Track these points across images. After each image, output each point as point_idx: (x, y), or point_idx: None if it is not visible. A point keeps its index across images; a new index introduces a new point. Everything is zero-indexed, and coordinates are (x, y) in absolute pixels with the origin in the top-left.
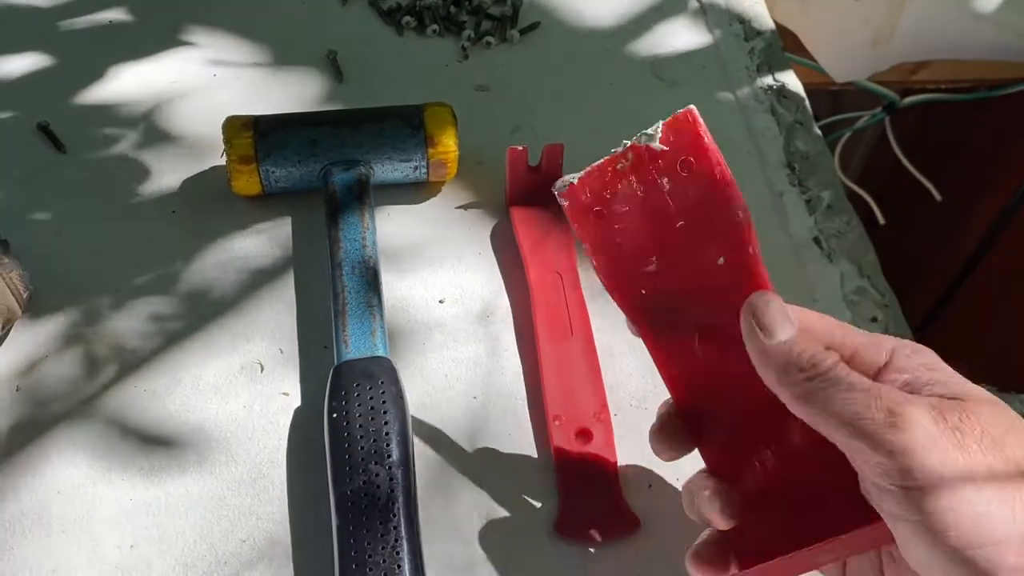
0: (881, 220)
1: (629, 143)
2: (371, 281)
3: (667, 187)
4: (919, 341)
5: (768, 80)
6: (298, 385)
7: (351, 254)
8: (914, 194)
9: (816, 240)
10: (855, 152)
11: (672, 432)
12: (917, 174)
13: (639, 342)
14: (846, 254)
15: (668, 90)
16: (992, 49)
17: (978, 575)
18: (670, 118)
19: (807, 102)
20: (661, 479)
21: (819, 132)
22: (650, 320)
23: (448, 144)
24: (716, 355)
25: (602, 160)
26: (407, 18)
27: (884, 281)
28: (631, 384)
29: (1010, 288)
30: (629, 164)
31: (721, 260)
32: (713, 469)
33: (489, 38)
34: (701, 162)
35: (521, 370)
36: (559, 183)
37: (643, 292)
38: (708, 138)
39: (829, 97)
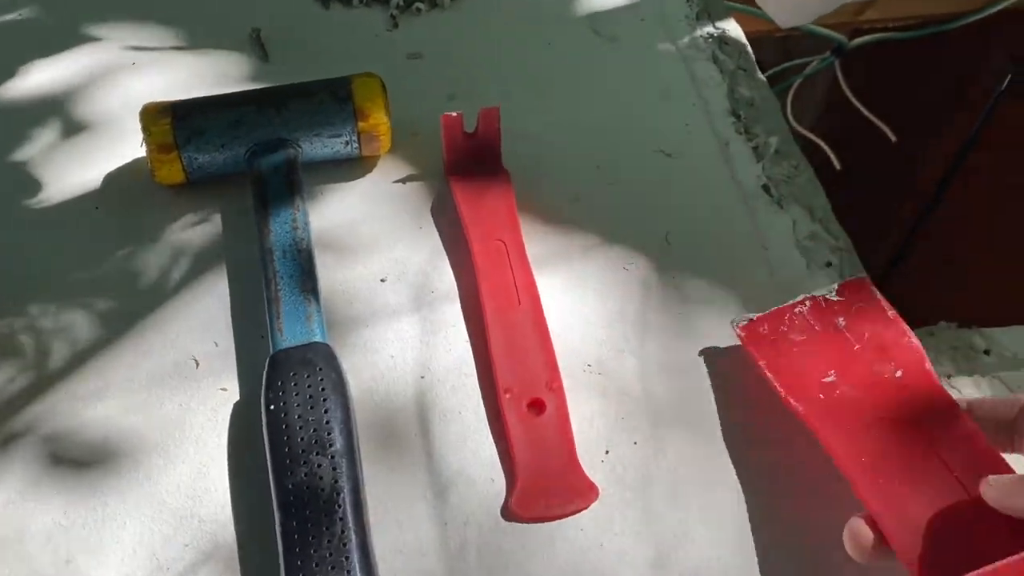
0: (837, 165)
1: (804, 296)
2: (304, 264)
3: (842, 323)
4: (884, 286)
5: (708, 28)
6: (236, 379)
7: (281, 237)
8: (871, 138)
9: (765, 187)
10: (808, 99)
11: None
12: (870, 116)
13: (589, 306)
14: (796, 199)
15: (608, 45)
16: None
17: None
18: (845, 281)
19: (749, 48)
20: (618, 443)
21: (763, 78)
22: (830, 424)
23: (378, 116)
24: (889, 442)
25: (780, 306)
26: None
27: (837, 224)
28: (584, 349)
29: (969, 225)
30: (807, 309)
31: (899, 373)
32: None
33: (419, 4)
34: (871, 307)
35: (470, 344)
36: (739, 318)
37: (820, 397)
38: (875, 291)
39: (778, 44)
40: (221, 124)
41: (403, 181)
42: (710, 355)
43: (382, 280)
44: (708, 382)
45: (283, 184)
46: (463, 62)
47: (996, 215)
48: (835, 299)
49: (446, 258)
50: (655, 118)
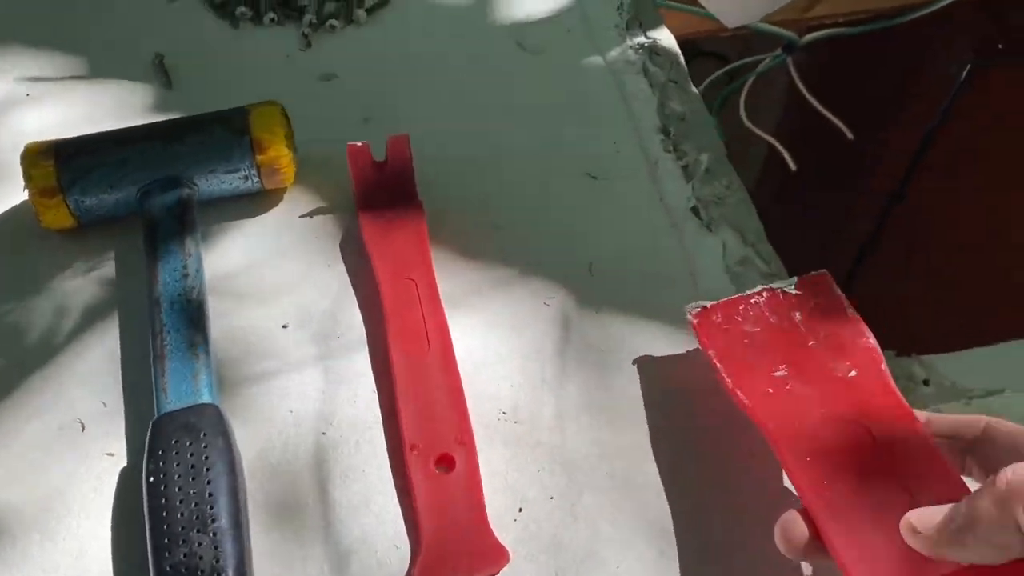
0: (792, 166)
1: (763, 287)
2: (194, 316)
3: (798, 318)
4: (849, 290)
5: (639, 38)
6: (124, 442)
7: (170, 287)
8: (830, 136)
9: (694, 209)
10: (765, 98)
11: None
12: (825, 112)
13: (506, 346)
14: (727, 221)
15: (533, 60)
16: None
17: None
18: (805, 276)
19: (681, 58)
20: (532, 499)
21: (695, 90)
22: (775, 419)
23: (278, 148)
24: (837, 442)
25: (736, 296)
26: (241, 9)
27: (770, 247)
28: (499, 394)
29: (931, 227)
30: (764, 300)
31: (853, 373)
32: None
33: (333, 21)
34: (830, 303)
35: (377, 394)
36: (694, 304)
37: (770, 391)
38: (835, 288)
39: (733, 41)
40: (109, 164)
41: (311, 215)
42: (646, 374)
43: (284, 326)
44: (631, 419)
45: (174, 227)
46: (380, 82)
47: (957, 218)
48: (793, 293)
49: (355, 300)
50: (582, 137)
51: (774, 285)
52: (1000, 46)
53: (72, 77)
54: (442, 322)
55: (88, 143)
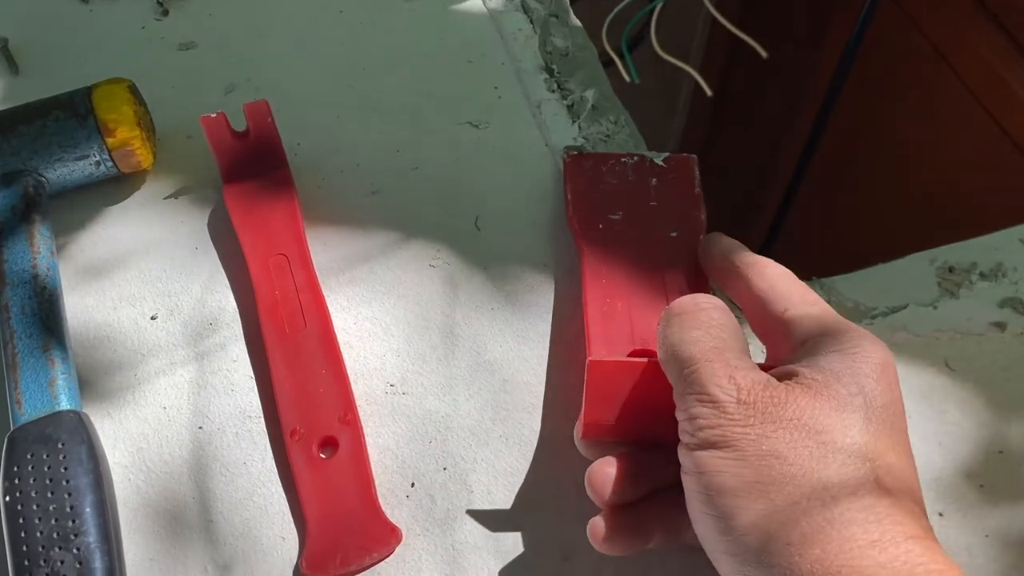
0: (708, 92)
1: (637, 153)
2: (47, 318)
3: (654, 183)
4: (779, 226)
5: None
6: None
7: (19, 289)
8: (751, 63)
9: (580, 151)
10: (679, 29)
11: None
12: (736, 30)
13: (390, 315)
14: None
15: (406, 6)
16: None
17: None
18: (675, 154)
19: None
20: (424, 473)
21: (578, 22)
22: (592, 248)
23: (128, 129)
24: (644, 284)
25: (611, 152)
26: None
27: None
28: (384, 367)
29: (855, 154)
30: (632, 162)
31: (674, 234)
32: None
33: None
34: (686, 179)
35: (255, 381)
36: (572, 147)
37: (600, 227)
38: (695, 169)
39: None
40: None
41: (175, 196)
42: (537, 331)
43: (152, 318)
44: (524, 379)
45: (19, 224)
46: (244, 48)
47: (879, 141)
48: (659, 164)
49: (227, 282)
50: (461, 85)
51: (647, 153)
52: None
53: None
54: (318, 297)
55: None
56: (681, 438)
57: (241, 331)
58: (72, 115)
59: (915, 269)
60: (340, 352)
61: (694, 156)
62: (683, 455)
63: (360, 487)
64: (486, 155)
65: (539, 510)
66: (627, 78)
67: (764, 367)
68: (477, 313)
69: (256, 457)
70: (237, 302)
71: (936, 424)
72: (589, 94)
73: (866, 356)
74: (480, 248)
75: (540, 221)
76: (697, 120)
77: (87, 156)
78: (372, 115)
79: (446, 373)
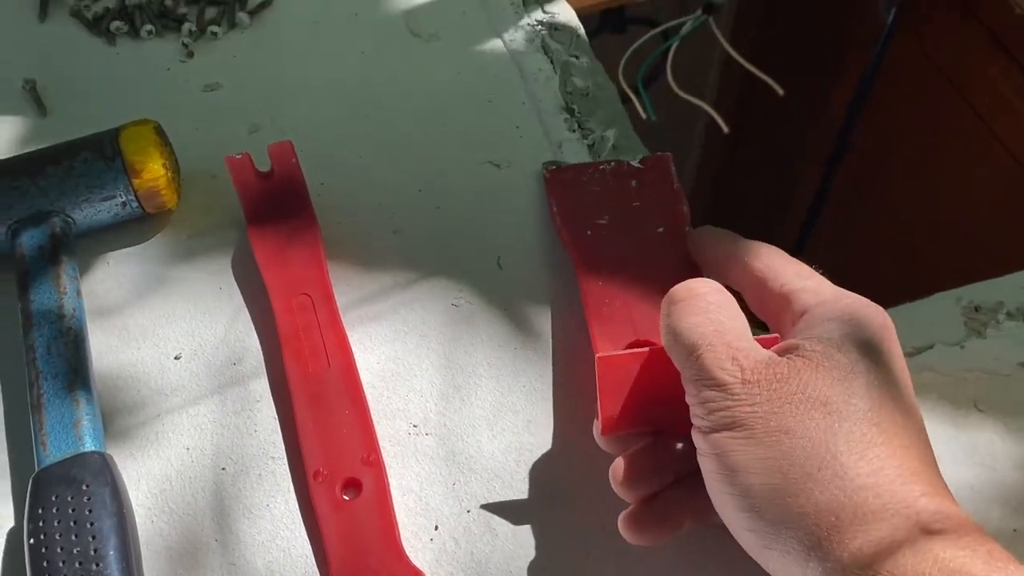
0: (725, 129)
1: (613, 159)
2: (72, 359)
3: (634, 185)
4: (798, 250)
5: (537, 14)
6: (10, 500)
7: (45, 329)
8: (766, 97)
9: (558, 163)
10: (699, 62)
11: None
12: (753, 69)
13: (413, 354)
14: None
15: (428, 47)
16: None
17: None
18: (650, 155)
19: (582, 31)
20: (448, 515)
21: (598, 63)
22: (585, 252)
23: (154, 169)
24: (639, 282)
25: (589, 162)
26: (116, 23)
27: None
28: (407, 407)
29: (871, 187)
30: (610, 168)
31: (661, 229)
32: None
33: (214, 28)
34: (664, 177)
35: (278, 421)
36: (549, 162)
37: (588, 233)
38: (672, 166)
39: (666, 6)
40: None
41: (199, 235)
42: (560, 369)
43: (176, 357)
44: (547, 419)
45: (46, 265)
46: (267, 87)
47: (895, 175)
48: (637, 166)
49: (250, 322)
50: (482, 125)
51: (622, 158)
52: None
53: None
54: (342, 337)
55: None
56: (694, 422)
57: (264, 371)
58: (100, 156)
59: (941, 308)
60: (363, 392)
61: (669, 154)
62: (697, 438)
63: (383, 530)
64: (508, 194)
65: (564, 553)
66: (644, 115)
67: (766, 341)
68: (500, 352)
69: (279, 499)
70: (261, 342)
71: (966, 467)
72: (610, 133)
73: (863, 321)
74: (502, 287)
75: (562, 260)
76: (712, 154)
77: (114, 197)
78: (395, 154)
79: (469, 414)
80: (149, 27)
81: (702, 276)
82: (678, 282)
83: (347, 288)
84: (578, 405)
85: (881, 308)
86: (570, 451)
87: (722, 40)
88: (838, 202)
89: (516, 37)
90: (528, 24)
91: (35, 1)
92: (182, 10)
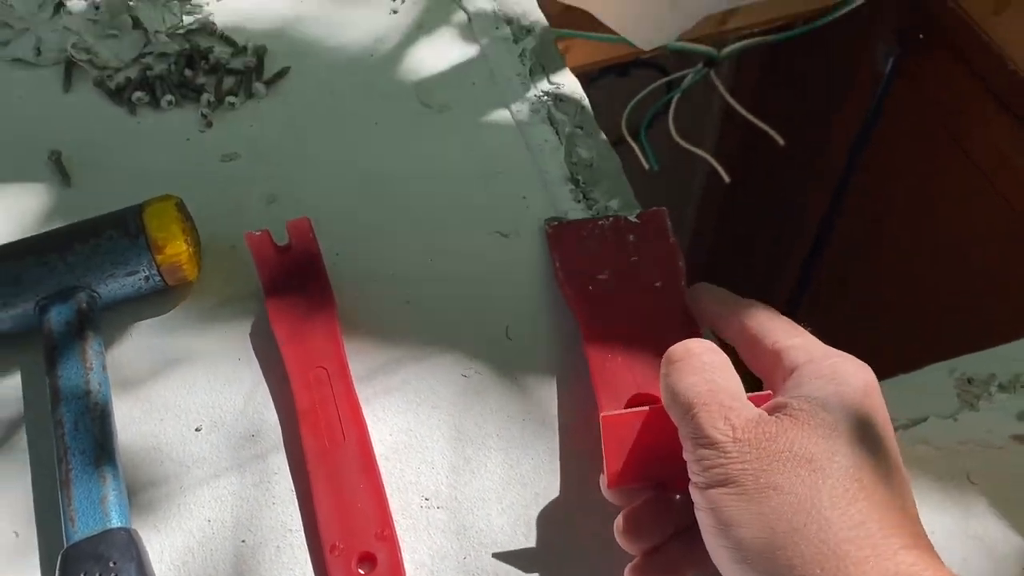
0: (726, 179)
1: (612, 215)
2: (99, 435)
3: (632, 240)
4: (795, 303)
5: (543, 85)
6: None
7: (73, 405)
8: (766, 146)
9: (560, 219)
10: (701, 112)
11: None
12: (754, 119)
13: (424, 426)
14: None
15: (438, 117)
16: None
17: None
18: (646, 210)
19: (586, 102)
20: None
21: (604, 137)
22: (587, 307)
23: (176, 245)
24: (639, 336)
25: (589, 218)
26: (137, 94)
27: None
28: (419, 480)
29: (866, 249)
30: (608, 224)
31: (658, 284)
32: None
33: (232, 98)
34: (660, 232)
35: (295, 493)
36: (551, 218)
37: (589, 288)
38: (667, 221)
39: (652, 72)
40: (2, 282)
41: (219, 307)
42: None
43: (197, 429)
44: (554, 491)
45: (74, 341)
46: (283, 157)
47: (891, 234)
48: (634, 221)
49: (268, 393)
50: (490, 195)
51: (620, 214)
52: (920, 36)
53: None
54: (356, 411)
55: None
56: (691, 478)
57: (282, 443)
58: (124, 234)
59: (934, 380)
60: (377, 466)
61: (664, 209)
62: (694, 493)
63: None
64: (515, 264)
65: None
66: (646, 166)
67: (759, 398)
68: (509, 424)
69: (297, 571)
70: (278, 413)
71: (959, 540)
72: (613, 204)
73: (848, 380)
74: (511, 358)
75: (568, 326)
76: (712, 202)
77: (137, 272)
78: (406, 224)
79: (479, 486)
80: (169, 97)
81: (699, 330)
82: (676, 337)
83: (361, 359)
84: (584, 465)
85: (865, 365)
86: (577, 509)
87: (723, 91)
88: (837, 247)
89: (523, 108)
90: (535, 95)
91: (60, 72)
92: (201, 80)
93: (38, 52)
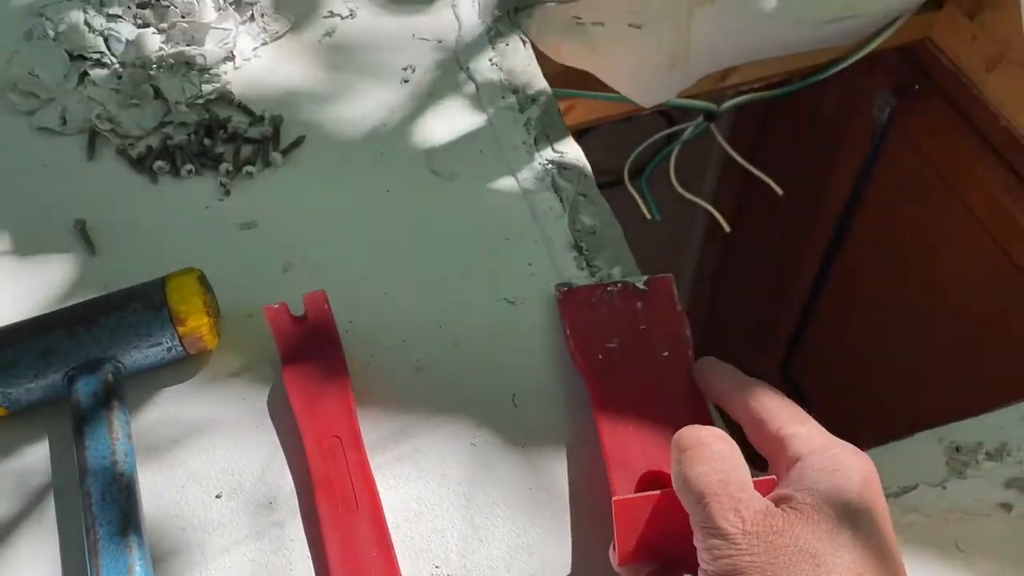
0: (726, 228)
1: (621, 280)
2: (124, 505)
3: (639, 307)
4: (793, 352)
5: (548, 153)
6: None
7: (100, 476)
8: (764, 194)
9: (570, 285)
10: (702, 163)
11: None
12: (753, 170)
13: (435, 493)
14: None
15: (447, 185)
16: (787, 44)
17: None
18: (654, 276)
19: (589, 170)
20: None
21: (605, 203)
22: (598, 375)
23: (197, 318)
24: (648, 406)
25: (598, 283)
26: (159, 163)
27: None
28: (430, 547)
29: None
30: (617, 290)
31: (666, 353)
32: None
33: (249, 167)
34: (667, 299)
35: (311, 560)
36: (561, 283)
37: (600, 357)
38: (674, 289)
39: (655, 115)
40: (31, 354)
41: (237, 374)
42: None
43: (217, 496)
44: (562, 560)
45: (100, 411)
46: (300, 225)
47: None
48: (642, 288)
49: (285, 460)
50: (497, 262)
51: (628, 279)
52: (916, 87)
53: None
54: (369, 480)
55: (8, 335)
56: (701, 564)
57: (298, 510)
58: (148, 307)
59: (923, 448)
60: (389, 534)
61: (670, 275)
62: None
63: None
64: (521, 331)
65: None
66: (648, 216)
67: (764, 484)
68: (516, 492)
69: None
70: (294, 480)
71: None
72: (616, 271)
73: (849, 473)
74: (518, 425)
75: (575, 392)
76: (711, 247)
77: (160, 343)
78: (417, 291)
79: (487, 555)
80: (189, 167)
81: (706, 402)
82: (685, 410)
83: (374, 424)
84: (592, 535)
85: (865, 456)
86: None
87: (722, 142)
88: (834, 296)
89: (528, 175)
90: (539, 163)
91: (83, 141)
92: (219, 149)
93: (63, 121)
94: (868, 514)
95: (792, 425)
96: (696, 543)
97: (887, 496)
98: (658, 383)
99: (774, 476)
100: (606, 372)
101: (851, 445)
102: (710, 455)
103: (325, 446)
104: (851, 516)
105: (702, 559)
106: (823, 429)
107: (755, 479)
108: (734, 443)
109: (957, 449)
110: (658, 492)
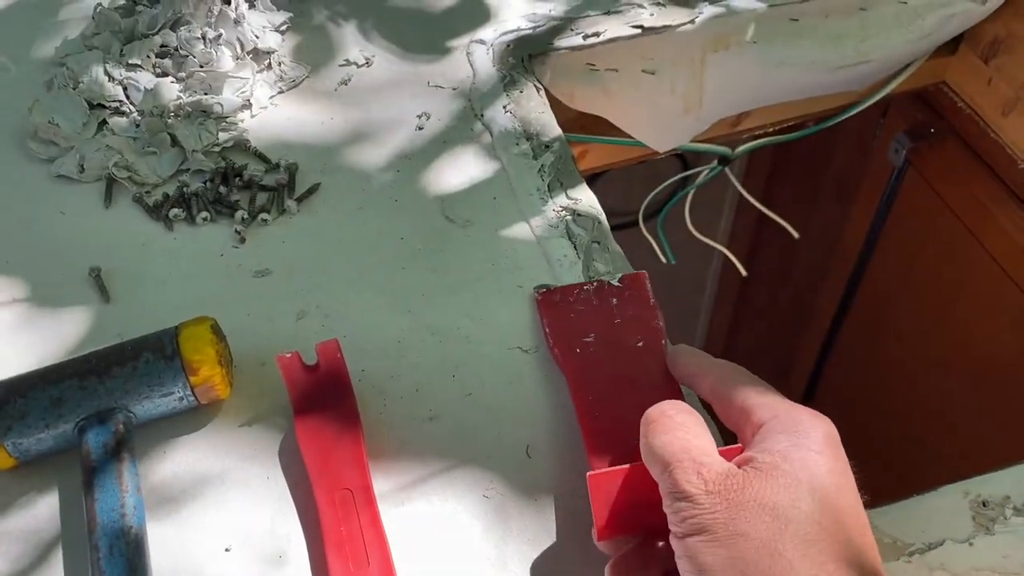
0: (743, 272)
1: (596, 279)
2: (132, 559)
3: (615, 303)
4: (810, 397)
5: (562, 200)
6: None
7: (108, 529)
8: (779, 236)
9: (548, 287)
10: (717, 205)
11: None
12: (770, 213)
13: (447, 551)
14: None
15: (461, 232)
16: (801, 89)
17: None
18: (628, 274)
19: (603, 217)
20: None
21: (619, 249)
22: (576, 369)
23: (210, 368)
24: (624, 393)
25: (575, 284)
26: (174, 211)
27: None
28: None
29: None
30: (593, 288)
31: (640, 343)
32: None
33: (264, 215)
34: (641, 293)
35: None
36: (540, 286)
37: (577, 351)
38: (647, 284)
39: (670, 157)
40: (42, 404)
41: (248, 424)
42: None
43: (227, 549)
44: None
45: (110, 463)
46: (314, 273)
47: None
48: (616, 285)
49: (295, 512)
50: (511, 309)
51: (603, 278)
52: (932, 130)
53: (8, 302)
54: (380, 534)
55: (19, 384)
56: (670, 528)
57: (308, 565)
58: (160, 356)
59: (949, 502)
60: None
61: (644, 272)
62: (674, 543)
63: None
64: (535, 380)
65: None
66: (664, 260)
67: (729, 452)
68: (529, 547)
69: None
70: (304, 533)
71: None
72: None
73: (808, 432)
74: (531, 477)
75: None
76: (724, 297)
77: (172, 393)
78: (430, 339)
79: None
80: (204, 214)
81: (679, 387)
82: (659, 393)
83: (386, 475)
84: None
85: (824, 417)
86: None
87: (738, 186)
88: (851, 339)
89: (542, 223)
90: (553, 210)
91: (101, 188)
92: (235, 197)
93: (81, 169)
94: (828, 468)
95: (755, 396)
96: (665, 509)
97: (912, 553)
98: (633, 371)
99: (740, 446)
100: (583, 364)
101: (812, 409)
102: (673, 425)
103: (336, 499)
104: (810, 471)
105: (671, 523)
106: (785, 399)
107: (721, 448)
108: (697, 414)
109: (984, 504)
110: (628, 465)
